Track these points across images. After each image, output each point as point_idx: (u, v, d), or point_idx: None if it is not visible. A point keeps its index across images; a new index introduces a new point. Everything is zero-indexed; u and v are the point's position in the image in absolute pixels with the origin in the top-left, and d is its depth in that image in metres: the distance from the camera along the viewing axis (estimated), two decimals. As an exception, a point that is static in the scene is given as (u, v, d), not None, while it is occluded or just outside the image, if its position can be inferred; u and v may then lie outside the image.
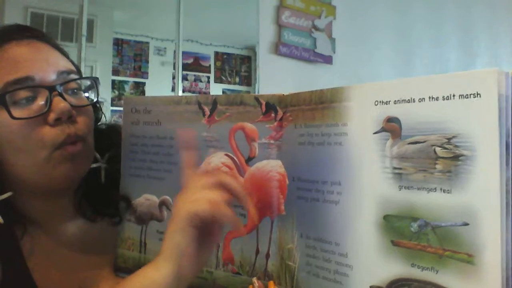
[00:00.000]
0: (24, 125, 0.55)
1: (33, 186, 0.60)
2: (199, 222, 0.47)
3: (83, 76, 0.65)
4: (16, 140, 0.56)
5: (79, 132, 0.59)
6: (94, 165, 0.65)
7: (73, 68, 0.62)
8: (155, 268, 0.48)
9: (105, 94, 2.24)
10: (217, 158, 0.58)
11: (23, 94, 0.56)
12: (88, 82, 0.64)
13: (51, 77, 0.58)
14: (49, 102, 0.56)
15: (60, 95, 0.57)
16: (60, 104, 0.56)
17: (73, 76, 0.61)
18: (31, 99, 0.56)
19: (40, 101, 0.56)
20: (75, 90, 0.61)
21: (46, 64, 0.58)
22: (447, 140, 0.40)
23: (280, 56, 2.50)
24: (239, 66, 2.86)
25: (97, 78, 0.65)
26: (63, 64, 0.61)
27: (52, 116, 0.56)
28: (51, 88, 0.56)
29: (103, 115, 0.72)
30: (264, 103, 0.56)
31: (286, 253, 0.55)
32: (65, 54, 0.64)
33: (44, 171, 0.57)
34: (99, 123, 0.71)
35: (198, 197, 0.48)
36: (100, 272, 0.65)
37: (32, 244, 0.59)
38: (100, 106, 0.70)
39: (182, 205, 0.49)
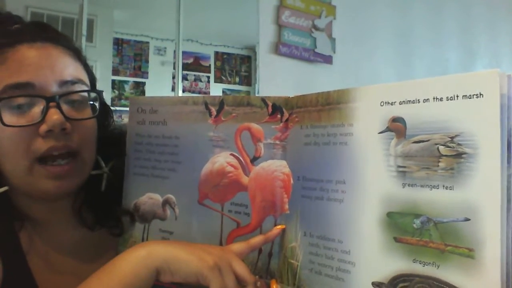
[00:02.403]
0: (15, 133, 0.54)
1: (22, 191, 0.59)
2: (192, 279, 0.49)
3: (96, 83, 0.65)
4: (4, 145, 0.55)
5: (71, 144, 0.57)
6: (94, 172, 0.64)
7: (81, 77, 0.60)
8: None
9: (105, 94, 2.23)
10: (223, 158, 0.59)
11: (20, 100, 0.54)
12: (93, 93, 0.63)
13: (52, 86, 0.56)
14: (44, 113, 0.55)
15: (58, 106, 0.55)
16: (53, 116, 0.55)
17: (78, 86, 0.59)
18: (28, 107, 0.55)
19: (37, 110, 0.55)
20: (79, 101, 0.59)
21: (50, 72, 0.56)
22: (450, 139, 0.41)
23: (280, 56, 2.49)
24: (239, 66, 2.86)
25: (102, 91, 0.64)
26: (70, 72, 0.59)
27: (43, 128, 0.55)
28: (48, 99, 0.55)
29: (113, 122, 0.70)
30: (270, 104, 0.57)
31: (289, 251, 0.55)
32: (81, 60, 0.62)
33: (27, 181, 0.57)
34: (111, 128, 0.70)
35: (224, 272, 0.49)
36: None
37: (30, 242, 0.59)
38: (112, 115, 0.70)
39: (206, 252, 0.50)
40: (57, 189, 0.58)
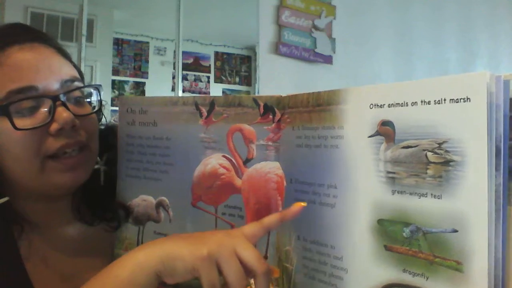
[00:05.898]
0: (26, 135, 0.55)
1: (32, 191, 0.60)
2: (189, 276, 0.43)
3: (84, 78, 0.65)
4: (15, 149, 0.56)
5: (81, 139, 0.59)
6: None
7: (76, 74, 0.62)
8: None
9: (105, 94, 2.25)
10: (215, 160, 0.58)
11: (26, 104, 0.55)
12: (90, 89, 0.64)
13: (55, 86, 0.57)
14: (52, 112, 0.56)
15: (64, 104, 0.56)
16: (63, 114, 0.55)
17: (77, 84, 0.60)
18: (34, 109, 0.56)
19: (43, 111, 0.56)
20: (78, 98, 0.61)
21: (49, 73, 0.57)
22: (438, 145, 0.40)
23: (280, 56, 2.50)
24: (239, 66, 2.86)
25: (100, 85, 0.65)
26: (67, 71, 0.60)
27: (54, 127, 0.56)
28: (54, 98, 0.56)
29: (103, 118, 0.71)
30: (262, 104, 0.56)
31: (283, 255, 0.55)
32: (67, 57, 0.63)
33: (40, 179, 0.57)
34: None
35: (223, 261, 0.42)
36: None
37: (29, 247, 0.59)
38: (102, 110, 0.70)
39: (202, 240, 0.44)
40: (72, 180, 0.59)
